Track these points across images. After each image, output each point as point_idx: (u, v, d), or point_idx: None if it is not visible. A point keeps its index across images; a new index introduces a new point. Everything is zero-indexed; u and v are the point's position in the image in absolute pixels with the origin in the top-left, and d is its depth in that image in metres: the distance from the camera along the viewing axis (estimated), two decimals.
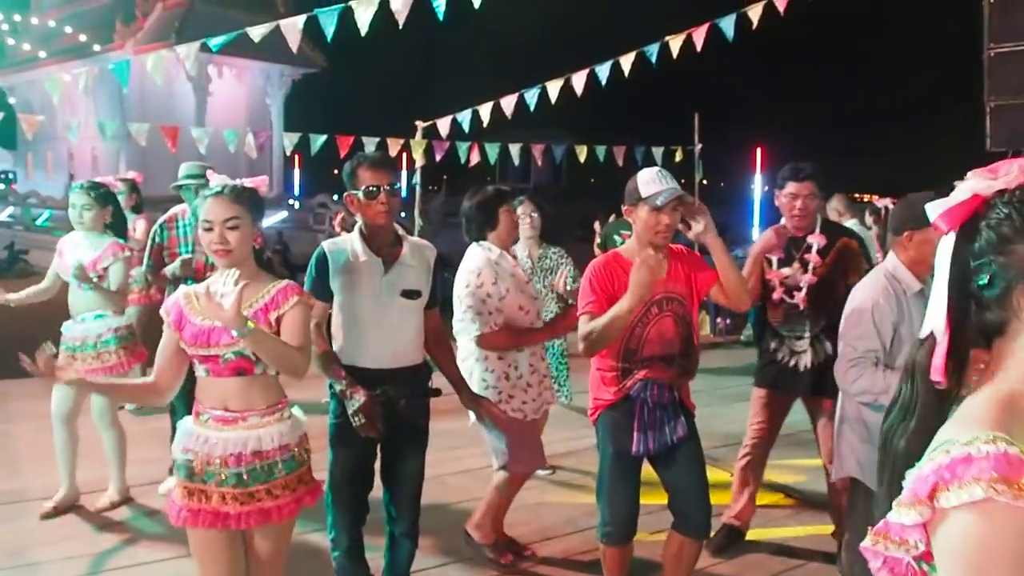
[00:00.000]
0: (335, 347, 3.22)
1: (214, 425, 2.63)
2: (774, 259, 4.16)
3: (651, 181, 3.13)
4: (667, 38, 8.03)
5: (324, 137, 9.00)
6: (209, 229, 2.60)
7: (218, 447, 2.60)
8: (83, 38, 25.45)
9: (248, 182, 2.75)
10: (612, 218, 9.00)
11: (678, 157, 11.32)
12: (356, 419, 3.06)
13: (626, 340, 3.17)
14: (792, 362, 4.13)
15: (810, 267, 4.06)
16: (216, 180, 2.71)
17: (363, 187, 3.10)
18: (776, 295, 4.13)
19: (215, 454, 2.60)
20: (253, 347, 2.53)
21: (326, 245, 3.25)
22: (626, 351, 3.20)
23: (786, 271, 4.10)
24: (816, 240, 4.08)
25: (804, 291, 4.05)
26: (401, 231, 3.27)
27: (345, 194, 3.20)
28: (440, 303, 3.45)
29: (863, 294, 3.13)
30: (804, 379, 4.13)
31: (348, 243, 3.20)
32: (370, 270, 3.14)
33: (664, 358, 3.20)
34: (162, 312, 2.73)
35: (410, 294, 3.19)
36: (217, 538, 2.64)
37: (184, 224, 4.83)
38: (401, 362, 3.21)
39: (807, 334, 4.08)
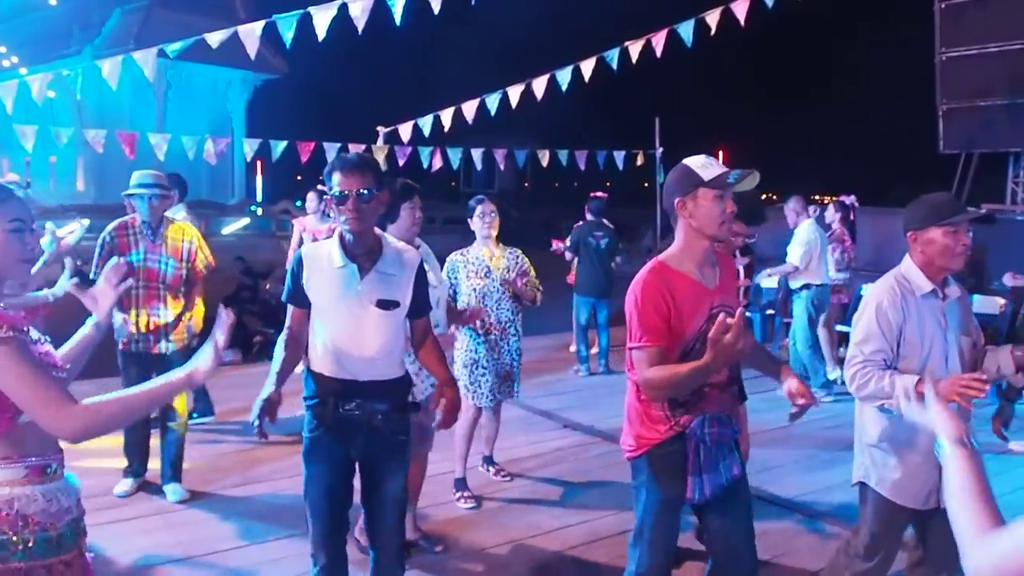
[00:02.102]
0: (312, 356, 3.08)
1: (60, 472, 2.12)
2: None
3: (707, 164, 2.77)
4: (626, 43, 8.11)
5: (285, 143, 8.95)
6: (22, 231, 2.07)
7: (72, 494, 2.13)
8: (40, 44, 25.05)
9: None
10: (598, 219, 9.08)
11: (640, 161, 11.40)
12: (256, 406, 2.90)
13: (688, 351, 2.75)
14: None
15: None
16: None
17: (333, 191, 2.93)
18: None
19: (72, 503, 2.12)
20: None
21: (304, 250, 3.11)
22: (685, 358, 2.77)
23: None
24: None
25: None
26: (385, 236, 3.12)
27: (326, 196, 3.06)
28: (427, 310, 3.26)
29: (870, 295, 3.11)
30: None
31: (326, 248, 3.05)
32: (345, 278, 2.98)
33: (718, 384, 2.80)
34: (11, 329, 1.94)
35: (386, 304, 3.00)
36: None
37: (134, 231, 4.84)
38: (377, 375, 3.02)
39: None
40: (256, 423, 2.91)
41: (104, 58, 6.75)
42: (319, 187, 8.10)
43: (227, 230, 23.73)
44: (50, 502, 2.03)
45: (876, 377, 2.95)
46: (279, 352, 3.10)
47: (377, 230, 3.09)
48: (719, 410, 2.81)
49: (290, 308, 3.11)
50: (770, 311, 10.07)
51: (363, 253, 3.01)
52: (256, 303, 12.19)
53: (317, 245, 3.12)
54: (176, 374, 2.08)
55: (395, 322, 3.05)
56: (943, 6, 10.74)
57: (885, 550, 3.15)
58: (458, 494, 4.96)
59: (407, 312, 3.09)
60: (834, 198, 9.81)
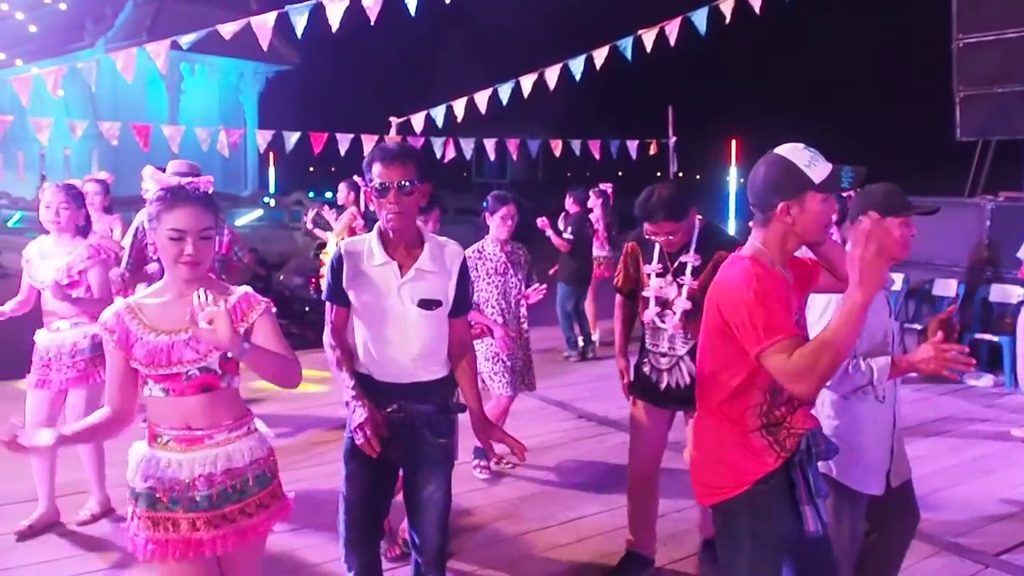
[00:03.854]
0: (355, 356, 2.97)
1: (176, 447, 2.44)
2: (653, 275, 3.82)
3: (813, 160, 2.40)
4: (640, 32, 8.07)
5: (298, 134, 8.98)
6: (180, 239, 2.36)
7: (184, 469, 2.42)
8: (53, 37, 25.16)
9: (201, 183, 2.54)
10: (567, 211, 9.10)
11: (653, 150, 11.38)
12: (356, 434, 2.81)
13: (768, 387, 2.44)
14: (655, 378, 3.85)
15: (684, 290, 3.71)
16: (160, 179, 2.47)
17: (374, 183, 2.80)
18: (647, 317, 3.84)
19: (182, 477, 2.41)
20: (251, 365, 2.35)
21: (344, 245, 2.95)
22: (772, 390, 2.43)
23: (661, 284, 3.78)
24: (690, 260, 3.71)
25: (678, 316, 3.73)
26: (425, 230, 2.97)
27: (364, 188, 2.90)
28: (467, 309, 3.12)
29: None
30: (669, 398, 3.83)
31: (365, 243, 2.90)
32: (385, 275, 2.84)
33: (806, 399, 2.52)
34: (101, 329, 2.46)
35: (428, 304, 2.85)
36: (189, 570, 2.44)
37: None
38: (420, 376, 2.90)
39: (671, 353, 3.79)
40: (373, 445, 2.78)
41: (117, 50, 6.77)
42: (356, 177, 8.13)
43: (240, 221, 23.72)
44: (154, 467, 2.43)
45: (852, 365, 2.86)
46: (331, 355, 2.94)
47: (419, 223, 2.96)
48: (815, 425, 2.55)
49: (330, 306, 2.97)
50: None
51: (404, 249, 2.88)
52: (269, 294, 12.23)
53: (356, 240, 2.96)
54: None
55: (438, 321, 2.92)
56: None
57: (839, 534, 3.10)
58: (476, 462, 4.98)
59: (449, 311, 2.95)
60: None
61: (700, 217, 3.79)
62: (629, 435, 4.06)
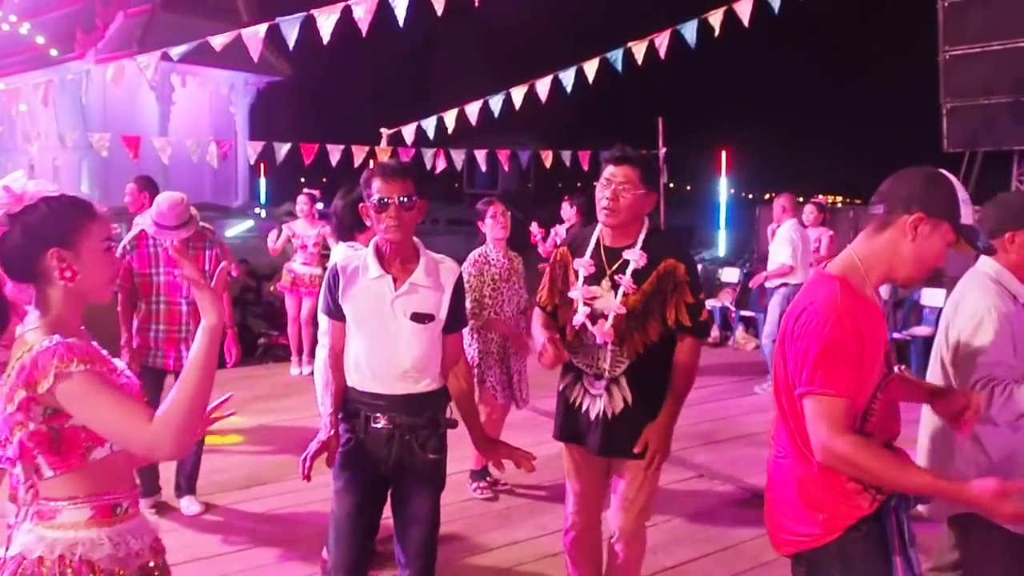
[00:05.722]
0: (345, 368, 2.98)
1: (132, 510, 1.98)
2: (581, 271, 3.20)
3: (967, 202, 2.19)
4: (630, 44, 8.12)
5: (288, 146, 8.99)
6: (111, 249, 1.99)
7: (148, 535, 2.01)
8: (43, 48, 25.11)
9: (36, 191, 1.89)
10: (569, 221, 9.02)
11: None
12: (311, 446, 2.87)
13: (864, 412, 2.18)
14: (586, 406, 3.19)
15: (620, 292, 3.10)
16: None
17: (374, 198, 2.82)
18: (576, 320, 3.17)
19: (146, 544, 1.99)
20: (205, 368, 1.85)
21: (340, 260, 3.01)
22: (861, 423, 2.20)
23: (595, 289, 3.15)
24: (634, 257, 3.10)
25: (610, 322, 3.09)
26: (421, 246, 2.99)
27: (360, 204, 2.95)
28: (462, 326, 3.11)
29: (975, 303, 2.73)
30: (595, 432, 3.18)
31: (361, 258, 2.94)
32: (379, 289, 2.87)
33: (894, 434, 2.27)
34: (77, 362, 1.77)
35: (420, 317, 2.88)
36: None
37: (155, 243, 4.59)
38: (411, 388, 2.91)
39: (606, 374, 3.13)
40: (306, 463, 2.83)
41: (108, 61, 6.78)
42: (307, 190, 8.14)
43: (231, 232, 23.72)
44: (117, 546, 1.90)
45: (1015, 390, 2.58)
46: (321, 375, 3.03)
47: (416, 240, 2.97)
48: None
49: (330, 323, 3.02)
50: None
51: (399, 263, 2.90)
52: (260, 305, 12.20)
53: (352, 256, 3.00)
54: (203, 330, 1.85)
55: (430, 336, 2.92)
56: (945, 4, 10.74)
57: None
58: (475, 485, 4.96)
59: (443, 326, 2.95)
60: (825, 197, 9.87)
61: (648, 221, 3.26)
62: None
